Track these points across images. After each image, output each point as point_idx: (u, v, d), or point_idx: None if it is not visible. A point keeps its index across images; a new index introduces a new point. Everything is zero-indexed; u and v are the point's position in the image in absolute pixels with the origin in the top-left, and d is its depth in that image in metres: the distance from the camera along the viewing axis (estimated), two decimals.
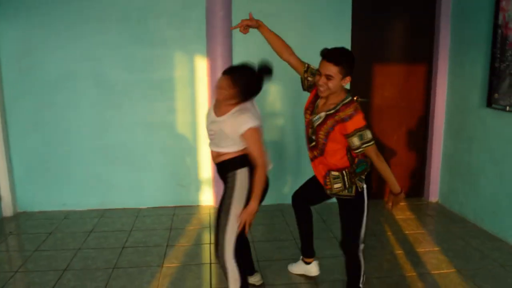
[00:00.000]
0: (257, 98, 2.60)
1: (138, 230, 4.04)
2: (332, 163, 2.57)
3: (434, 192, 4.79)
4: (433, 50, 4.59)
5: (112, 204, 4.54)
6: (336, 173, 2.55)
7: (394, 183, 2.50)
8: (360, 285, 2.70)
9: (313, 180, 2.85)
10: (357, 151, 2.44)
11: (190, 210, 4.54)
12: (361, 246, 2.64)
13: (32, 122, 4.34)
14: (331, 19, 4.44)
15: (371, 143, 2.43)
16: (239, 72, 2.47)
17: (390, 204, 2.56)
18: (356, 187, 2.56)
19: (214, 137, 2.52)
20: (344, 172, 2.54)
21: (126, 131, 4.45)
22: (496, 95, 3.81)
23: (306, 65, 2.72)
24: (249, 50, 4.33)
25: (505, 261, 3.42)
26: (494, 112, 3.86)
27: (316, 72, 2.50)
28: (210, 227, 4.10)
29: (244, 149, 2.47)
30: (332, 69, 2.38)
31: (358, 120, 2.41)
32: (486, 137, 3.99)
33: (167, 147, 4.52)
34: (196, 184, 4.63)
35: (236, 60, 4.31)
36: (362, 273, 2.69)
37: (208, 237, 3.89)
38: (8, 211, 4.32)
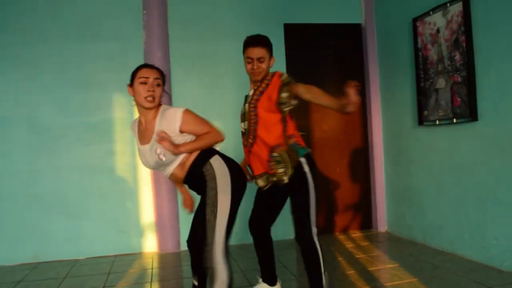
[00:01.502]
0: None
1: (73, 277, 3.71)
2: (269, 141, 2.53)
3: (382, 221, 4.78)
4: (364, 81, 4.83)
5: (47, 257, 4.19)
6: (276, 154, 2.51)
7: (337, 102, 2.36)
8: (323, 273, 2.51)
9: (259, 195, 2.79)
10: (292, 102, 2.49)
11: (132, 257, 4.25)
12: (314, 230, 2.52)
13: None
14: None
15: (294, 83, 2.48)
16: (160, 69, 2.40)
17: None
18: (296, 169, 2.52)
19: (166, 157, 2.29)
20: (282, 153, 2.51)
21: (62, 177, 4.25)
22: (425, 112, 3.99)
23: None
24: (187, 89, 4.43)
25: (457, 269, 3.37)
26: (426, 129, 4.02)
27: (246, 62, 2.60)
28: (152, 269, 3.84)
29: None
30: (262, 51, 2.55)
31: (282, 78, 2.50)
32: (422, 155, 4.10)
33: (106, 191, 4.33)
34: (138, 230, 4.39)
35: (176, 99, 4.35)
36: (321, 259, 2.51)
37: (149, 277, 3.62)
38: None
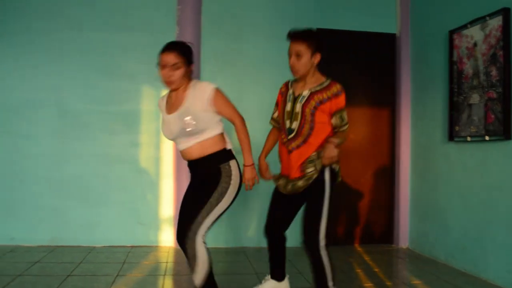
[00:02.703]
0: None
1: (89, 263, 3.73)
2: (315, 144, 2.52)
3: (404, 237, 4.64)
4: (395, 93, 4.73)
5: (64, 241, 4.24)
6: (314, 154, 2.51)
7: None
8: (330, 285, 2.46)
9: (277, 200, 2.75)
10: (335, 130, 2.56)
11: (148, 249, 4.25)
12: (322, 241, 2.45)
13: None
14: None
15: (347, 126, 2.58)
16: (179, 45, 2.43)
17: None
18: (322, 171, 2.51)
19: (194, 128, 2.35)
20: (318, 153, 2.51)
21: (85, 164, 4.31)
22: (457, 128, 3.87)
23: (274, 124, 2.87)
24: (217, 81, 4.41)
25: None
26: (456, 145, 3.90)
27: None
28: (167, 263, 3.83)
29: (223, 137, 2.48)
30: (299, 47, 2.49)
31: (343, 100, 2.53)
32: (450, 172, 3.98)
33: (127, 182, 4.35)
34: (156, 223, 4.39)
35: None
36: (328, 270, 2.45)
37: (163, 271, 3.61)
38: None
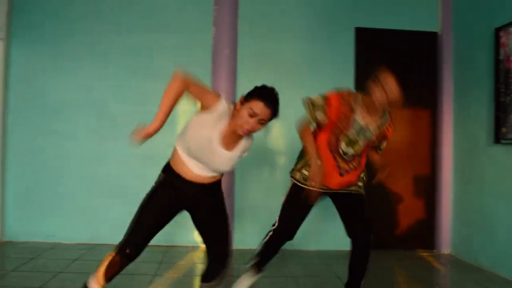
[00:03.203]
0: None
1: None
2: (363, 165, 2.70)
3: (446, 243, 4.48)
4: (437, 93, 4.58)
5: (103, 239, 4.28)
6: (362, 175, 2.74)
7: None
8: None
9: (303, 207, 2.71)
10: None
11: (184, 249, 4.27)
12: None
13: (30, 149, 4.30)
14: (334, 67, 4.53)
15: None
16: (277, 105, 2.29)
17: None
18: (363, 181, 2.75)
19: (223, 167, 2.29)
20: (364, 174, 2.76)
21: (123, 164, 4.37)
22: (503, 130, 3.70)
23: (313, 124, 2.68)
24: (253, 83, 4.37)
25: None
26: (503, 147, 3.73)
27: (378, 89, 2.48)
28: (203, 264, 3.81)
29: None
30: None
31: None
32: (496, 175, 3.80)
33: None
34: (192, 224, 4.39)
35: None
36: None
37: (199, 272, 3.60)
38: None
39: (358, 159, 2.61)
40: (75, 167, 4.34)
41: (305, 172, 2.61)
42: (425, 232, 4.61)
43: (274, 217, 2.80)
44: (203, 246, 2.37)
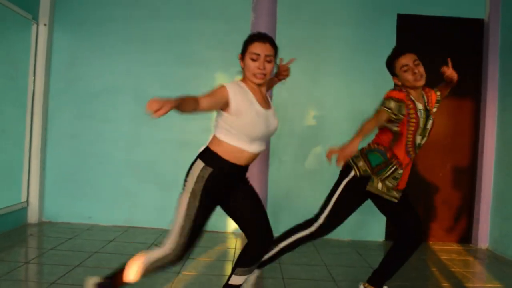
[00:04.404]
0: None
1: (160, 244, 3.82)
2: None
3: (484, 237, 4.33)
4: (481, 83, 4.40)
5: (137, 222, 4.39)
6: None
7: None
8: None
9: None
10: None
11: (217, 235, 4.29)
12: None
13: (70, 132, 4.41)
14: (376, 55, 4.40)
15: None
16: (269, 36, 2.25)
17: None
18: None
19: (271, 133, 2.29)
20: None
21: (159, 148, 4.42)
22: None
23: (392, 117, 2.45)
24: (294, 70, 4.33)
25: None
26: None
27: (404, 70, 2.48)
28: (235, 249, 3.84)
29: None
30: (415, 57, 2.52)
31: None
32: None
33: None
34: None
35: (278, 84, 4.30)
36: None
37: (232, 256, 3.62)
38: (33, 218, 4.25)
39: (419, 147, 2.55)
40: (113, 151, 4.42)
41: (389, 184, 2.48)
42: (463, 225, 4.48)
43: (307, 205, 2.74)
44: (231, 231, 2.33)
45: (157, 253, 2.19)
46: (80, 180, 4.41)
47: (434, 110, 2.61)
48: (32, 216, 4.25)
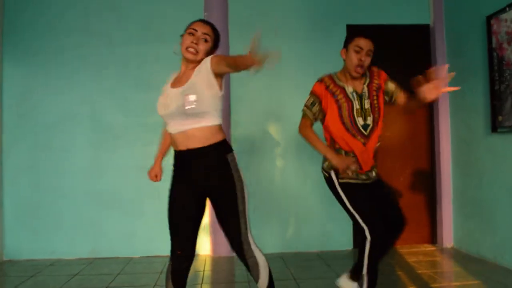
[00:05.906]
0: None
1: (126, 274, 3.74)
2: (380, 133, 2.67)
3: (448, 237, 4.42)
4: None
5: (103, 253, 4.28)
6: (378, 143, 2.71)
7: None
8: None
9: (364, 195, 2.63)
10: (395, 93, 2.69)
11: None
12: None
13: (27, 165, 4.29)
14: (329, 66, 4.47)
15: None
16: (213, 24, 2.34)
17: None
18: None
19: (193, 108, 2.08)
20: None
21: (121, 176, 4.34)
22: (500, 118, 3.66)
23: (312, 118, 2.67)
24: (247, 91, 4.38)
25: None
26: (500, 136, 3.68)
27: (355, 50, 2.56)
28: (203, 271, 3.79)
29: (222, 130, 2.23)
30: (371, 46, 2.58)
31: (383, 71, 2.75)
32: (495, 166, 3.75)
33: (162, 192, 4.32)
34: None
35: (235, 101, 4.33)
36: None
37: (201, 279, 3.57)
38: None
39: (372, 129, 2.60)
40: (73, 181, 4.32)
41: (352, 168, 2.54)
42: (427, 227, 4.57)
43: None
44: (202, 254, 2.27)
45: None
46: (40, 214, 4.27)
47: (365, 90, 2.62)
48: None
